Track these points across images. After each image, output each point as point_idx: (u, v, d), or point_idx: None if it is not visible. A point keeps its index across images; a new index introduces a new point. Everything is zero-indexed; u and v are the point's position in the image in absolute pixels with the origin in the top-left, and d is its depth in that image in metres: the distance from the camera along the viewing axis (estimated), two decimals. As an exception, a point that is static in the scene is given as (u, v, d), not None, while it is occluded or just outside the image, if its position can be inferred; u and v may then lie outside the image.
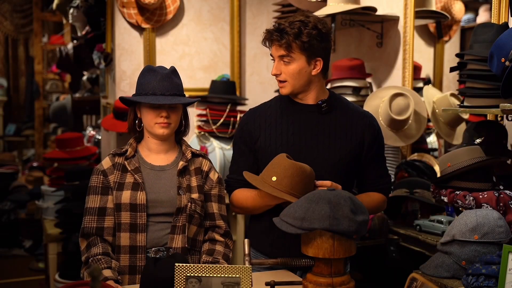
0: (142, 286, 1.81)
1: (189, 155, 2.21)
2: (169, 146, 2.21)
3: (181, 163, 2.18)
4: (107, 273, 1.99)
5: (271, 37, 2.10)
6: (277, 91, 4.35)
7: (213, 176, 2.24)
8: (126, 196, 2.10)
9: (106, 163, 2.17)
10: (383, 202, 2.28)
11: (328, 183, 2.03)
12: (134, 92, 2.18)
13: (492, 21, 2.70)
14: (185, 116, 2.25)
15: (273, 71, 2.14)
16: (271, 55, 2.16)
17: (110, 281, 1.95)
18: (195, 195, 2.15)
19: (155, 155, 2.20)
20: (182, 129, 2.25)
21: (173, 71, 2.16)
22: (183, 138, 2.29)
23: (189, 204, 2.12)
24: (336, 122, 2.17)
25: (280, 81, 2.15)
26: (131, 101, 2.15)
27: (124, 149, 2.19)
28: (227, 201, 2.28)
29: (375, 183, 2.24)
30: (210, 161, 2.27)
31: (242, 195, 2.18)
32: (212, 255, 2.16)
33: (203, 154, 2.27)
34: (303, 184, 1.96)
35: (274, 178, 1.98)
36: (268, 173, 2.01)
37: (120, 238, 2.10)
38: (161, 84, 2.09)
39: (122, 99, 2.19)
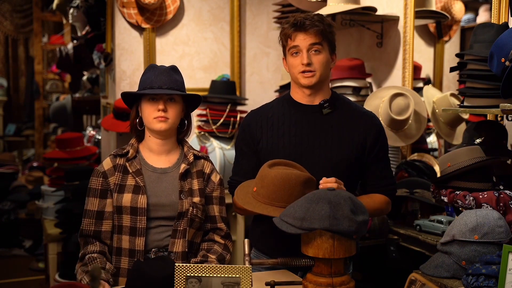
0: (129, 284, 1.81)
1: (191, 158, 2.18)
2: (170, 147, 2.19)
3: (183, 166, 2.15)
4: None
5: (304, 26, 2.07)
6: (277, 91, 4.35)
7: (215, 178, 2.22)
8: (127, 199, 2.08)
9: (107, 164, 2.14)
10: (386, 204, 2.21)
11: (332, 179, 1.98)
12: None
13: (492, 21, 2.70)
14: (187, 116, 2.22)
15: (305, 60, 2.08)
16: (293, 47, 2.10)
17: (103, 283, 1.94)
18: (196, 199, 2.13)
19: (156, 156, 2.17)
20: (184, 129, 2.22)
21: (173, 68, 2.16)
22: (185, 139, 2.26)
23: (191, 208, 2.10)
24: (338, 122, 2.15)
25: (307, 71, 2.10)
26: (131, 98, 2.16)
27: (125, 150, 2.16)
28: (227, 201, 2.28)
29: (377, 184, 2.20)
30: (211, 163, 2.25)
31: None
32: (207, 252, 2.15)
33: (205, 156, 2.24)
34: (283, 192, 1.90)
35: (254, 189, 1.97)
36: (254, 183, 2.00)
37: (121, 240, 2.09)
38: (158, 78, 2.09)
39: (123, 95, 2.19)
